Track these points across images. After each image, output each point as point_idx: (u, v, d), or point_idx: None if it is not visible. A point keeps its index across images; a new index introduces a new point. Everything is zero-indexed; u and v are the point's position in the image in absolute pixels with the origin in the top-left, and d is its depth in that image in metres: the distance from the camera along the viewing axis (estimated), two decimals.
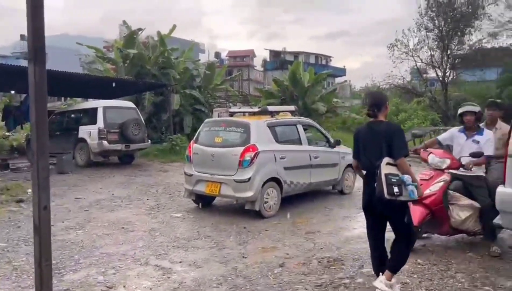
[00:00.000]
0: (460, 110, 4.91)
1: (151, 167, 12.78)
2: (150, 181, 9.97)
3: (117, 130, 12.30)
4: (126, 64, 19.69)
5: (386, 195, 3.33)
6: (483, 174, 4.78)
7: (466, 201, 4.66)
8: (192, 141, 7.22)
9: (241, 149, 6.40)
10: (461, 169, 4.68)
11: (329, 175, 7.84)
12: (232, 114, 7.55)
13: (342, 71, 51.90)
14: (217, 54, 50.37)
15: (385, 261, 3.67)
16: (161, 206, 7.40)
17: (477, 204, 4.62)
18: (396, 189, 3.34)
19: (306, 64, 34.45)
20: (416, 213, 4.38)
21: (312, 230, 5.83)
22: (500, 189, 3.87)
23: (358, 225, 6.15)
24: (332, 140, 8.12)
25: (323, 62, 51.13)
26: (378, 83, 28.64)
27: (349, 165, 8.39)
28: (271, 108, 7.67)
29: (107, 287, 3.94)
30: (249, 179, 6.27)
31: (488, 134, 4.76)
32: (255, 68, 53.73)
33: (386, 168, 3.40)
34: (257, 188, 6.30)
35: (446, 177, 4.61)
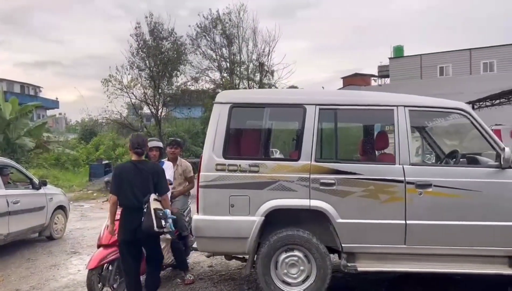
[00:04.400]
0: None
1: None
2: None
3: None
4: None
5: (155, 228, 3.74)
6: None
7: None
8: None
9: None
10: None
11: (33, 220, 6.91)
12: None
13: (54, 103, 47.97)
14: None
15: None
16: None
17: (168, 236, 4.70)
18: (163, 222, 3.83)
19: (9, 93, 30.06)
20: (96, 256, 4.30)
21: (10, 290, 4.93)
22: (195, 217, 4.35)
23: (67, 272, 5.66)
24: (36, 181, 7.25)
25: (31, 92, 45.91)
26: (94, 117, 28.01)
27: (59, 207, 7.74)
28: None
29: None
30: None
31: (167, 164, 5.18)
32: None
33: (154, 203, 3.83)
34: None
35: None
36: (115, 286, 4.45)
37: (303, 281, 4.19)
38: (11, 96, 26.79)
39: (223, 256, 4.89)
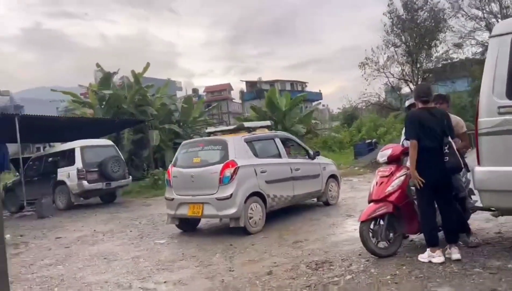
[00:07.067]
0: (407, 103, 5.06)
1: (134, 203, 12.53)
2: (133, 215, 9.73)
3: (97, 169, 12.11)
4: (102, 106, 19.66)
5: (462, 165, 4.14)
6: None
7: None
8: (170, 165, 7.13)
9: (220, 165, 6.33)
10: None
11: (312, 186, 7.78)
12: (209, 134, 7.53)
13: (318, 95, 52.78)
14: (195, 91, 50.87)
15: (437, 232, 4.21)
16: (145, 235, 7.20)
17: (461, 191, 4.52)
18: (465, 161, 4.26)
19: (282, 91, 34.87)
20: (367, 210, 4.44)
21: (299, 239, 5.72)
22: (476, 169, 3.88)
23: (345, 230, 6.09)
24: (311, 152, 8.13)
25: (299, 88, 52.01)
26: (354, 103, 29.19)
27: (332, 176, 8.41)
28: (247, 124, 7.66)
29: None
30: (231, 195, 6.18)
31: None
32: (233, 100, 54.26)
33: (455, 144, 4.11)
34: (240, 203, 6.20)
35: (405, 170, 4.48)
36: (390, 240, 4.50)
37: None
38: (283, 92, 31.08)
39: None
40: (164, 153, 18.75)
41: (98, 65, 20.91)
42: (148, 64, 20.58)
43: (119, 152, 13.25)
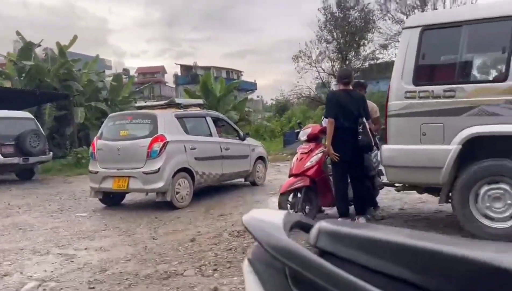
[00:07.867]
0: (333, 88, 5.47)
1: (54, 180, 11.89)
2: (53, 191, 9.27)
3: (13, 143, 11.28)
4: (22, 78, 18.24)
5: (373, 144, 4.56)
6: None
7: None
8: (95, 138, 6.93)
9: (149, 139, 6.29)
10: None
11: (240, 166, 8.01)
12: (139, 108, 7.41)
13: (253, 85, 53.37)
14: (126, 71, 48.77)
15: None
16: (65, 208, 6.94)
17: (373, 169, 5.05)
18: (376, 140, 4.73)
19: (217, 78, 34.85)
20: (287, 183, 4.84)
21: (225, 213, 5.92)
22: (384, 147, 4.33)
23: (269, 206, 6.41)
24: (241, 133, 8.35)
25: (234, 76, 52.19)
26: (286, 94, 30.01)
27: (260, 157, 8.71)
28: (178, 100, 7.66)
29: (1, 275, 3.61)
30: (159, 169, 6.18)
31: None
32: (166, 84, 53.00)
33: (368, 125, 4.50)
34: (167, 178, 6.23)
35: (323, 148, 4.90)
36: (306, 211, 4.86)
37: (511, 216, 3.71)
38: (219, 79, 31.08)
39: (415, 199, 4.74)
40: (89, 131, 17.89)
41: (18, 33, 19.25)
42: (75, 37, 19.41)
43: (39, 126, 12.44)
